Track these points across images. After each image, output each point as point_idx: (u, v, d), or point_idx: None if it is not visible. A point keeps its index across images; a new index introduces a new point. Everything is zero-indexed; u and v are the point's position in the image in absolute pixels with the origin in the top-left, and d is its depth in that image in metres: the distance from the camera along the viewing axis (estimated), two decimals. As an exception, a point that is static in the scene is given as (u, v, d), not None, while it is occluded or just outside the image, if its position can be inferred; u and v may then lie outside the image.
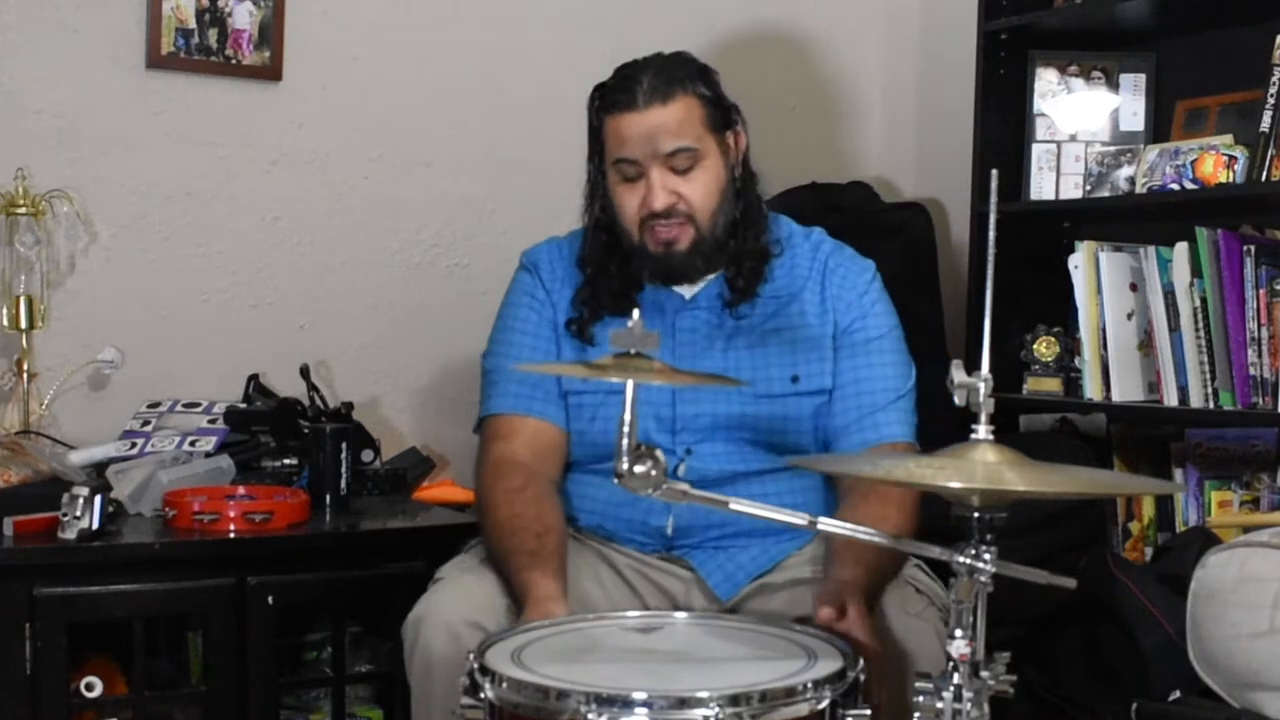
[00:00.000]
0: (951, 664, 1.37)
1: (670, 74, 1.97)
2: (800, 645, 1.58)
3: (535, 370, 2.03)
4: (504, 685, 1.43)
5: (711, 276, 2.05)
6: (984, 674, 1.38)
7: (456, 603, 1.82)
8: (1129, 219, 2.78)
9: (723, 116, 2.01)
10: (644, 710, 1.36)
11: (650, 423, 1.99)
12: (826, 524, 1.47)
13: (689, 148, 1.96)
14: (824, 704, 1.41)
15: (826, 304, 2.06)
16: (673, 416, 2.00)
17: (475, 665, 1.48)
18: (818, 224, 2.17)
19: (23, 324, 2.47)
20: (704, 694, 1.37)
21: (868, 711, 1.43)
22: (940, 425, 2.04)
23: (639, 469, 1.39)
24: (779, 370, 2.02)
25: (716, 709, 1.36)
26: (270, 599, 2.19)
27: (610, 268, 2.03)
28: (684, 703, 1.36)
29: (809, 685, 1.42)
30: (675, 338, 2.03)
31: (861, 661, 1.50)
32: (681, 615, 1.76)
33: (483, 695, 1.44)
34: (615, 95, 1.97)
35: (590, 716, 1.36)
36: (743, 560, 1.98)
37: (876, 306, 2.07)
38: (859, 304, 2.05)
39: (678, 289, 2.05)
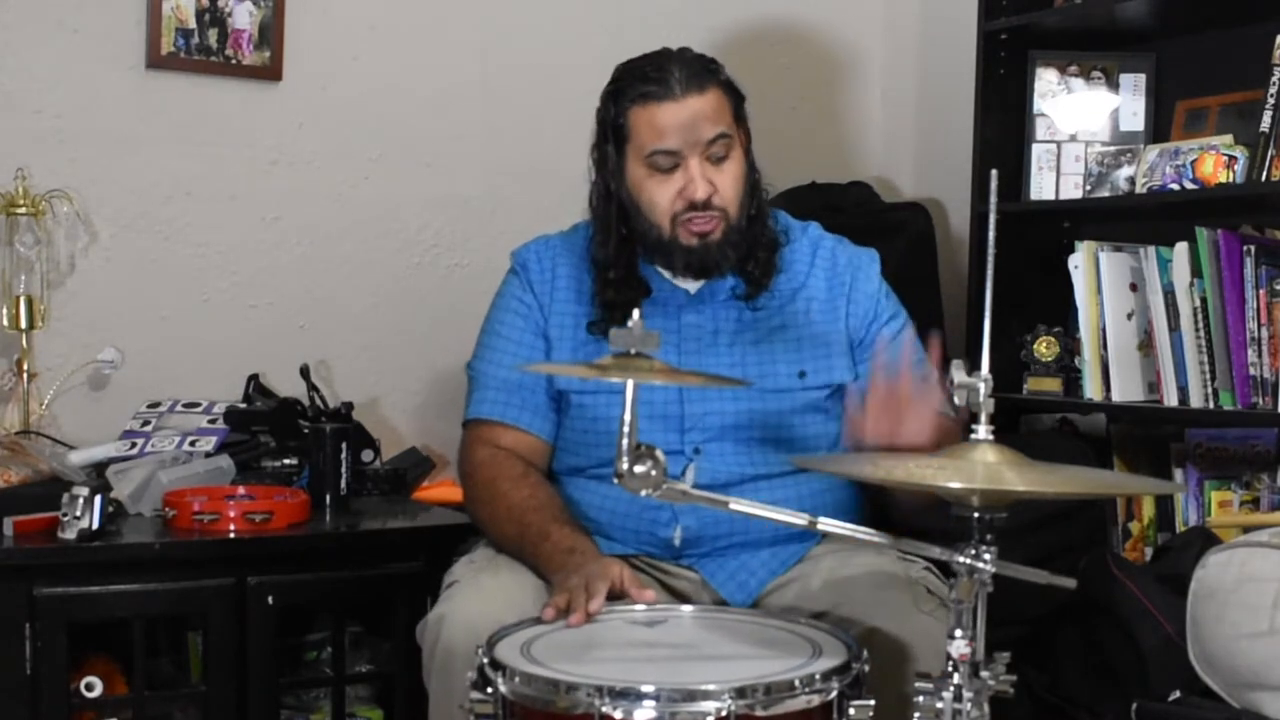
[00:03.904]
0: (951, 664, 1.37)
1: (698, 64, 1.97)
2: (805, 639, 1.59)
3: (538, 370, 2.02)
4: (516, 679, 1.43)
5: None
6: (984, 674, 1.38)
7: (477, 601, 1.81)
8: (1129, 219, 2.77)
9: (741, 108, 2.02)
10: (653, 702, 1.36)
11: (658, 422, 1.96)
12: (826, 524, 1.47)
13: (726, 134, 1.95)
14: (832, 695, 1.42)
15: (837, 299, 2.05)
16: (681, 415, 1.98)
17: (485, 660, 1.48)
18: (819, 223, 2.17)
19: (23, 324, 2.47)
20: (713, 686, 1.37)
21: (871, 702, 1.45)
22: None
23: (639, 469, 1.38)
24: (785, 366, 2.01)
25: (729, 701, 1.36)
26: (270, 599, 2.19)
27: (621, 268, 2.01)
28: (693, 695, 1.37)
29: (816, 677, 1.42)
30: (680, 333, 2.01)
31: (865, 653, 1.51)
32: (687, 609, 1.76)
33: (491, 690, 1.44)
34: (647, 86, 1.94)
35: (602, 709, 1.36)
36: (754, 567, 1.97)
37: (892, 296, 2.10)
38: (875, 296, 2.07)
39: (682, 284, 2.03)
